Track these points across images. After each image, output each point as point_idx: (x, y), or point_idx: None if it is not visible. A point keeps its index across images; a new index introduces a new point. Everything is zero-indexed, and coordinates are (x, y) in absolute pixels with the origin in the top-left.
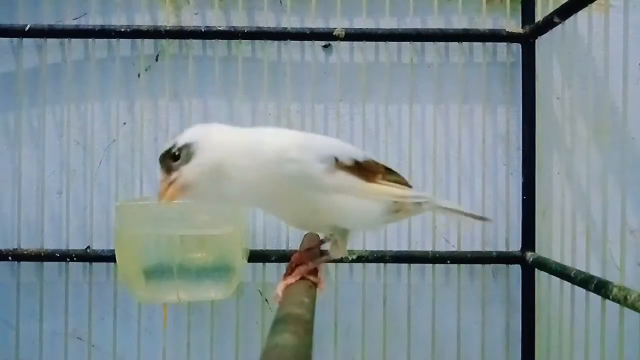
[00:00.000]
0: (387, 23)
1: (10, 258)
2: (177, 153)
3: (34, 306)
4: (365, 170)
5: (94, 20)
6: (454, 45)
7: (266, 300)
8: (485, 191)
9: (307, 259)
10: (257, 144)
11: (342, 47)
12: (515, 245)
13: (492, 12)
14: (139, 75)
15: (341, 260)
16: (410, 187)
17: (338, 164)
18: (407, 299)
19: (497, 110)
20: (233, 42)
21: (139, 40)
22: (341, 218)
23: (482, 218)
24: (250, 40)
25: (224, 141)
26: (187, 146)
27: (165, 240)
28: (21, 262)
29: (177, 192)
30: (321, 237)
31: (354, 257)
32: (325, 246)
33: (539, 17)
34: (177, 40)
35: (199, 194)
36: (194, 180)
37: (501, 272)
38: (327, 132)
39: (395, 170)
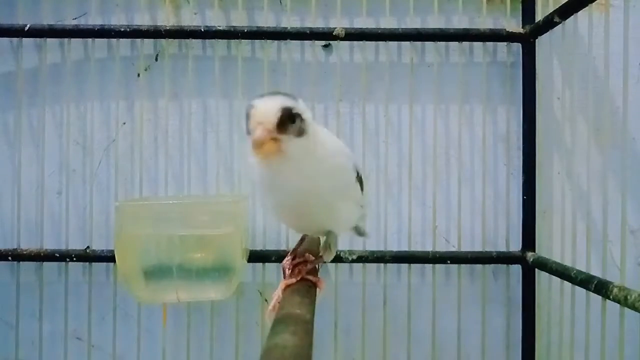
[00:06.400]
0: (387, 23)
1: (10, 258)
2: (294, 116)
3: (34, 306)
4: (359, 180)
5: (94, 20)
6: (454, 45)
7: (266, 300)
8: (485, 191)
9: (300, 259)
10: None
11: (342, 46)
12: (516, 246)
13: (493, 11)
14: (138, 75)
15: (341, 260)
16: None
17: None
18: (407, 299)
19: (497, 110)
20: (233, 41)
21: (138, 40)
22: (342, 224)
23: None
24: (250, 40)
25: (321, 135)
26: (302, 119)
27: (165, 240)
28: (21, 262)
29: (276, 154)
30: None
31: (354, 257)
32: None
33: (539, 17)
34: (176, 40)
35: (278, 169)
36: (293, 156)
37: (501, 272)
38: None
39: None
